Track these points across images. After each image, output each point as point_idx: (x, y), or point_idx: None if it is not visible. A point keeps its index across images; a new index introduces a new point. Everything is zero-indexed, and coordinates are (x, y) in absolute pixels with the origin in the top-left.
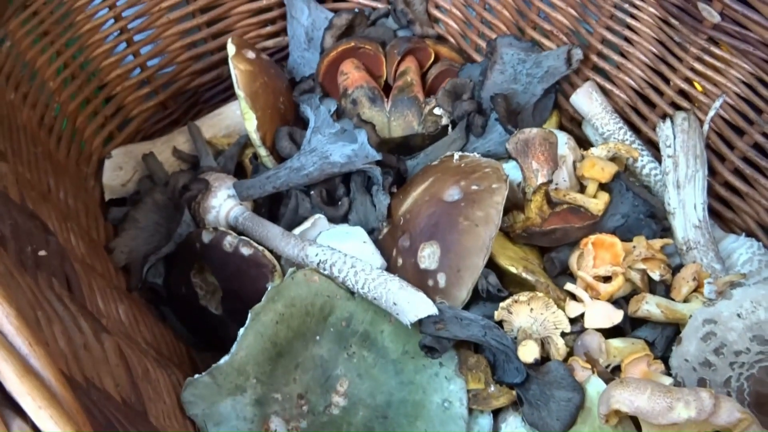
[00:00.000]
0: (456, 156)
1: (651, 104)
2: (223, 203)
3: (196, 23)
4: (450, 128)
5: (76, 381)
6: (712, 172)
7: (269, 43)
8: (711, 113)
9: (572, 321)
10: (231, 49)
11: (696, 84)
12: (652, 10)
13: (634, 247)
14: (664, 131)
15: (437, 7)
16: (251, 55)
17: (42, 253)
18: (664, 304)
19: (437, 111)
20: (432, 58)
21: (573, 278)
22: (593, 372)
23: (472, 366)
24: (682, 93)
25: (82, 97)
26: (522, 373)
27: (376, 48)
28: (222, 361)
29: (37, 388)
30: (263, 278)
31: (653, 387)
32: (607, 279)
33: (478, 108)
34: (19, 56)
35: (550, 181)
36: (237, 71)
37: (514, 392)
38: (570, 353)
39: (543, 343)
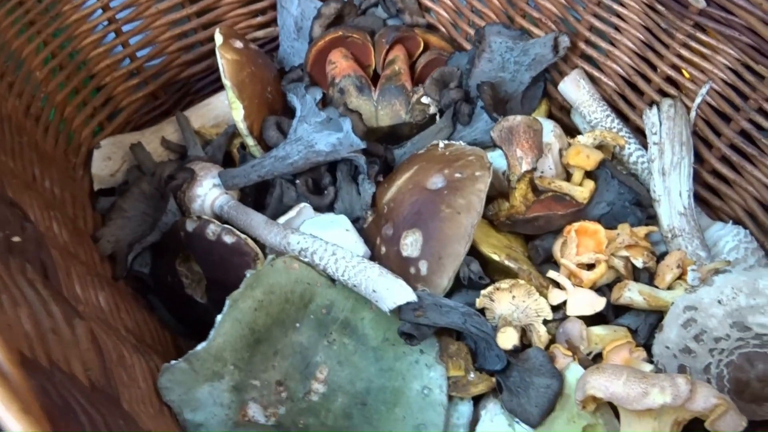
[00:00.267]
0: (441, 144)
1: (639, 92)
2: (208, 192)
3: (186, 14)
4: (438, 117)
5: (39, 364)
6: (699, 159)
7: (260, 33)
8: (698, 100)
9: (555, 308)
10: (218, 38)
11: (683, 71)
12: None
13: (618, 234)
14: (650, 118)
15: None
16: (239, 44)
17: (16, 239)
18: (646, 291)
19: (425, 100)
20: (421, 47)
21: (558, 266)
22: (574, 359)
23: (453, 353)
24: (669, 80)
25: (70, 87)
26: (503, 360)
27: (365, 37)
28: (199, 347)
29: None
30: (246, 266)
31: (629, 373)
32: (590, 266)
33: (465, 96)
34: (5, 45)
35: (534, 169)
36: (224, 61)
37: (493, 379)
38: (552, 341)
39: (525, 331)
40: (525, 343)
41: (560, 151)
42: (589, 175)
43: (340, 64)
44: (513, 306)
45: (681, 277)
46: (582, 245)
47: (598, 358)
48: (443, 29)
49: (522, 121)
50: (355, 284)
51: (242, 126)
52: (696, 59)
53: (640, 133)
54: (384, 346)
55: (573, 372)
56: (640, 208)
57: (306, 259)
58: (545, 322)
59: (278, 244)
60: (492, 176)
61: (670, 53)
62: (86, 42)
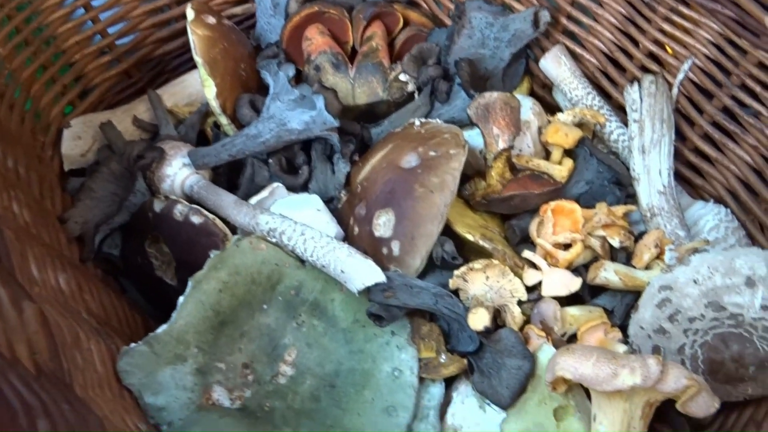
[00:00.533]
0: (417, 122)
1: (621, 68)
2: (178, 172)
3: None
4: (416, 95)
5: None
6: (681, 137)
7: (237, 9)
8: (680, 76)
9: (530, 289)
10: (190, 14)
11: (666, 46)
12: None
13: (595, 213)
14: (631, 95)
15: None
16: (211, 20)
17: None
18: (623, 271)
19: (403, 77)
20: (401, 24)
21: (534, 246)
22: (548, 340)
23: (425, 335)
24: (651, 56)
25: (37, 64)
26: (475, 341)
27: (342, 13)
28: (160, 329)
29: None
30: (214, 247)
31: (599, 354)
32: (567, 246)
33: (443, 74)
34: None
35: (511, 147)
36: (195, 37)
37: (464, 361)
38: (527, 322)
39: (499, 312)
40: (500, 324)
41: (539, 129)
42: (568, 153)
43: (316, 40)
44: (487, 287)
45: (659, 256)
46: (559, 225)
47: (573, 339)
48: (424, 5)
49: (498, 97)
50: (323, 265)
51: (215, 104)
52: (678, 34)
53: (622, 111)
54: (354, 327)
55: (545, 353)
56: (620, 186)
57: (274, 240)
58: (520, 302)
59: (247, 225)
60: (468, 155)
61: (653, 28)
62: (54, 17)
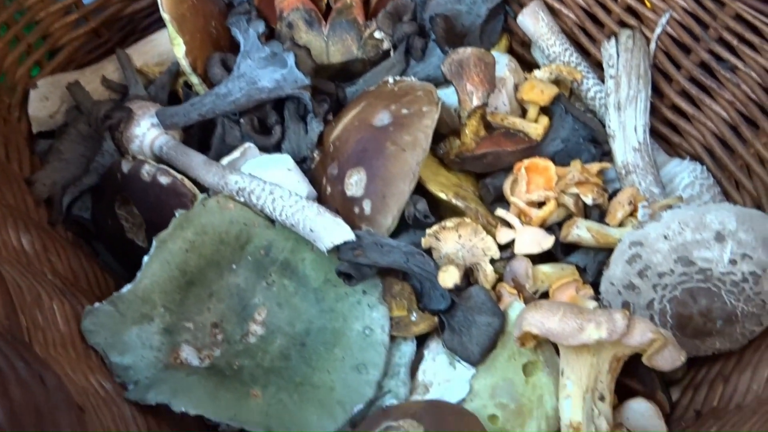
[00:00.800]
0: (390, 80)
1: (599, 23)
2: (146, 132)
3: None
4: (392, 52)
5: None
6: (659, 94)
7: None
8: (657, 30)
9: (504, 247)
10: None
11: (644, 0)
12: None
13: (569, 171)
14: (608, 50)
15: None
16: None
17: None
18: (595, 228)
19: (378, 34)
20: None
21: (509, 204)
22: (519, 298)
23: (396, 293)
24: (630, 10)
25: None
26: (447, 299)
27: None
28: (124, 289)
29: None
30: (183, 208)
31: (566, 309)
32: (540, 204)
33: (418, 30)
34: None
35: (485, 105)
36: None
37: (435, 319)
38: (500, 280)
39: (472, 270)
40: (473, 282)
41: (515, 86)
42: (545, 111)
43: None
44: (459, 245)
45: (633, 214)
46: (532, 183)
47: (545, 296)
48: None
49: (472, 53)
50: (293, 224)
51: (184, 63)
52: None
53: (600, 68)
54: (325, 287)
55: (515, 310)
56: (595, 144)
57: (243, 200)
58: (492, 261)
59: (216, 185)
60: (443, 113)
61: None
62: None
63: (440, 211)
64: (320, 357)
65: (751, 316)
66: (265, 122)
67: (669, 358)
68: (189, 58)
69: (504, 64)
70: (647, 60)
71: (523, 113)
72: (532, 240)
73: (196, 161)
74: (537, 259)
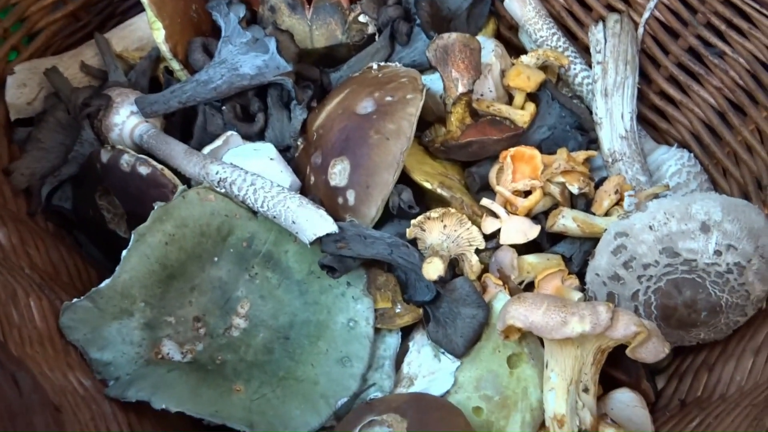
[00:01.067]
0: (375, 66)
1: (587, 7)
2: (126, 120)
3: None
4: (377, 37)
5: None
6: (647, 80)
7: None
8: (646, 14)
9: (489, 237)
10: None
11: None
12: None
13: (555, 159)
14: (595, 35)
15: None
16: None
17: None
18: (581, 217)
19: (362, 18)
20: None
21: (495, 194)
22: (505, 289)
23: (381, 285)
24: None
25: None
26: (432, 291)
27: None
28: (103, 284)
29: None
30: (164, 199)
31: (550, 302)
32: (527, 194)
33: (404, 14)
34: None
35: (471, 91)
36: None
37: (420, 311)
38: (486, 270)
39: (457, 261)
40: (458, 273)
41: (502, 72)
42: (531, 98)
43: None
44: (444, 235)
45: (619, 203)
46: (518, 171)
47: (530, 287)
48: None
49: (457, 38)
50: (274, 215)
51: (164, 48)
52: None
53: (588, 53)
54: (309, 279)
55: (500, 301)
56: (582, 131)
57: (224, 190)
58: (478, 251)
59: (197, 175)
60: (429, 100)
61: None
62: None
63: (425, 200)
64: (304, 350)
65: (735, 306)
66: (248, 110)
67: (653, 350)
68: (169, 43)
69: (490, 50)
70: (635, 45)
71: (510, 100)
72: (518, 230)
73: (176, 150)
74: (522, 248)
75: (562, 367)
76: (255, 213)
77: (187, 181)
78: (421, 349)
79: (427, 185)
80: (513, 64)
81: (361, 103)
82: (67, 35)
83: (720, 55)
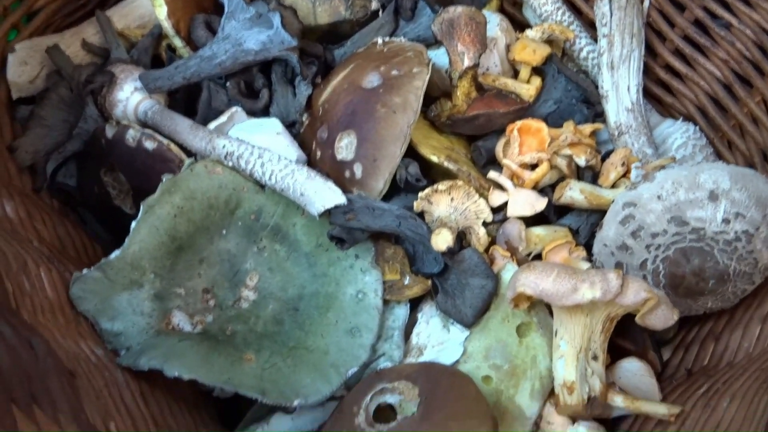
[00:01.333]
0: (380, 41)
1: None
2: (130, 96)
3: None
4: (380, 13)
5: None
6: (652, 54)
7: None
8: None
9: (496, 210)
10: None
11: None
12: None
13: (562, 132)
14: (601, 8)
15: None
16: None
17: None
18: (588, 190)
19: None
20: None
21: (501, 167)
22: (512, 260)
23: (389, 257)
24: None
25: None
26: (440, 263)
27: None
28: (113, 255)
29: None
30: (170, 173)
31: (560, 269)
32: (533, 167)
33: None
34: None
35: (477, 65)
36: None
37: (428, 282)
38: (493, 243)
39: (465, 234)
40: (465, 246)
41: (507, 47)
42: (537, 72)
43: None
44: (451, 208)
45: (625, 175)
46: (525, 144)
47: (537, 259)
48: None
49: (463, 12)
50: (282, 188)
51: (167, 25)
52: None
53: (593, 28)
54: (317, 251)
55: (508, 272)
56: (588, 105)
57: (231, 164)
58: (485, 224)
59: (204, 149)
60: (434, 74)
61: None
62: None
63: (432, 174)
64: (313, 321)
65: (743, 275)
66: (252, 86)
67: (662, 317)
68: (171, 20)
69: (495, 24)
70: (641, 18)
71: (515, 74)
72: (525, 202)
73: (182, 126)
74: (530, 221)
75: (571, 335)
76: (262, 186)
77: (192, 157)
78: (429, 320)
79: (434, 158)
80: (518, 39)
81: (367, 77)
82: (67, 13)
83: (726, 27)
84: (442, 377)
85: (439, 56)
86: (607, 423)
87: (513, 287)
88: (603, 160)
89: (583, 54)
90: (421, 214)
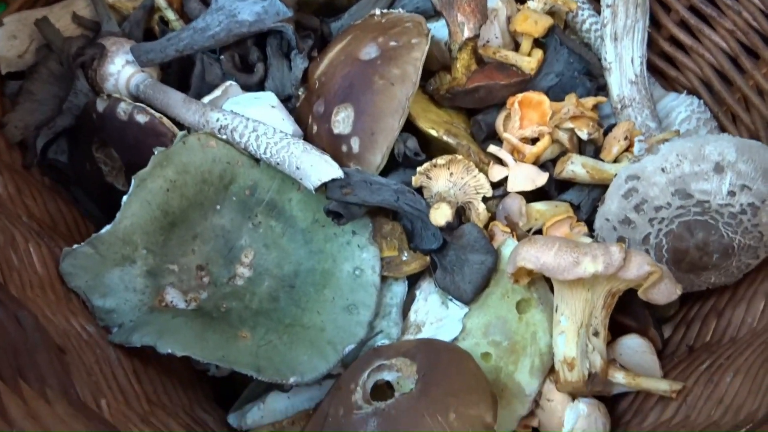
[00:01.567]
0: (378, 12)
1: None
2: (121, 70)
3: None
4: None
5: None
6: (657, 25)
7: None
8: None
9: (496, 185)
10: None
11: None
12: None
13: (564, 105)
14: None
15: None
16: None
17: None
18: (590, 164)
19: None
20: None
21: (502, 142)
22: (512, 235)
23: (387, 233)
24: None
25: None
26: (439, 239)
27: None
28: (104, 230)
29: None
30: (163, 147)
31: (561, 243)
32: (535, 141)
33: None
34: None
35: (477, 36)
36: None
37: (426, 258)
38: (493, 218)
39: (464, 209)
40: (465, 222)
41: (508, 18)
42: (538, 44)
43: None
44: (451, 183)
45: (628, 149)
46: (526, 118)
47: (538, 234)
48: None
49: None
50: (278, 162)
51: None
52: None
53: (596, 0)
54: (314, 227)
55: (508, 247)
56: (590, 78)
57: (225, 137)
58: (485, 199)
59: (197, 123)
60: (433, 47)
61: None
62: None
63: (431, 149)
64: (310, 298)
65: (748, 248)
66: (247, 59)
67: (665, 291)
68: None
69: None
70: None
71: (516, 46)
72: (526, 177)
73: (175, 99)
74: (530, 196)
75: (572, 311)
76: (257, 161)
77: (185, 131)
78: (428, 297)
79: (433, 132)
80: (519, 10)
81: (364, 49)
82: None
83: None
84: (441, 353)
85: (438, 29)
86: (607, 400)
87: (513, 261)
88: (605, 134)
89: (586, 26)
90: (419, 190)
